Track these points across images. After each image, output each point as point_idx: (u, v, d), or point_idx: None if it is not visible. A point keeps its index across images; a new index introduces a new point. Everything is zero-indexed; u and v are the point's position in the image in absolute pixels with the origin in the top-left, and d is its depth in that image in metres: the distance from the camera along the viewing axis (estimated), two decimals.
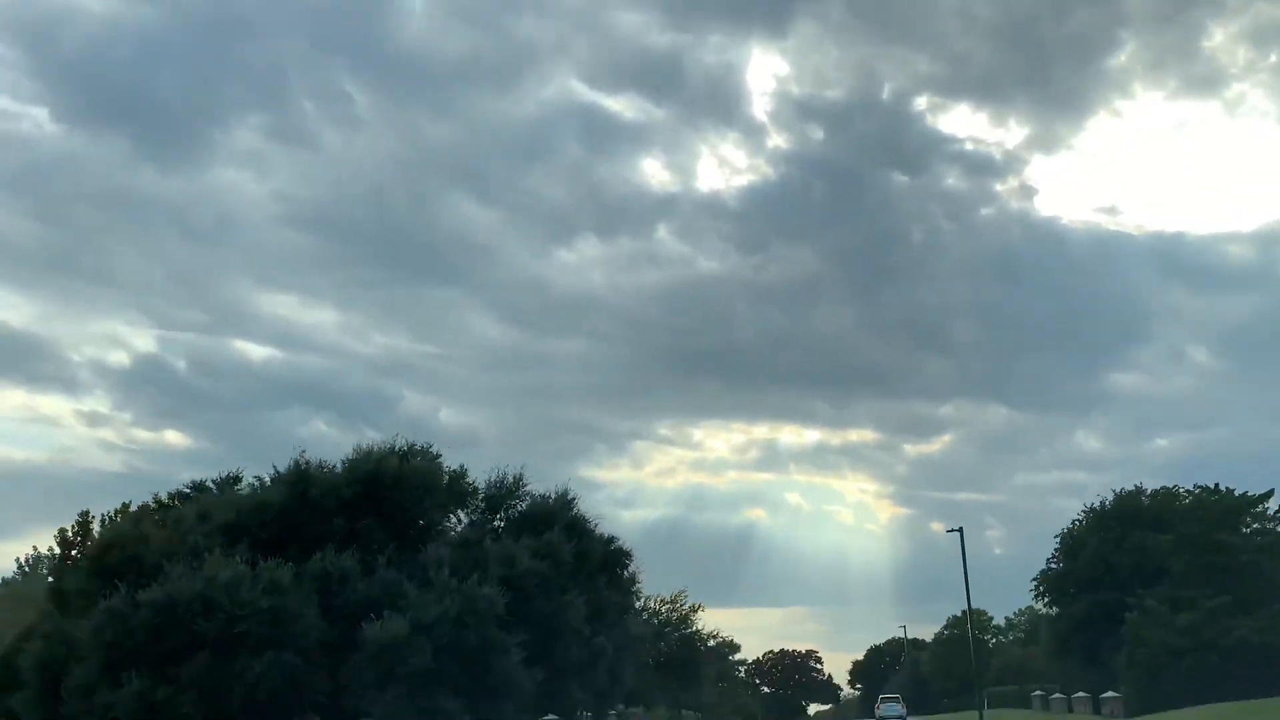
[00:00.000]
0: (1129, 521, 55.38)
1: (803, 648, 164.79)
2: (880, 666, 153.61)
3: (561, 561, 36.59)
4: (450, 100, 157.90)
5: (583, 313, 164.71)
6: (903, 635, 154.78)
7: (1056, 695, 59.45)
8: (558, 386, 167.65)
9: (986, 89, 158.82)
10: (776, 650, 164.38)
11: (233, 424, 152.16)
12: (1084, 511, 59.79)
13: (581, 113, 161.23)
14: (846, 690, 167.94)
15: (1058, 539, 61.81)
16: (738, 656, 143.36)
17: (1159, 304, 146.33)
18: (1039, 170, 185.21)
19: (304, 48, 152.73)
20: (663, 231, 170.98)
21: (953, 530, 51.03)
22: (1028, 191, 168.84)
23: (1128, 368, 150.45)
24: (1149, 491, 58.07)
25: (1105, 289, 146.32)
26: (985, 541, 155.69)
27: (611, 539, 43.81)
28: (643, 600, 60.67)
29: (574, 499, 41.99)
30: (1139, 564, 52.99)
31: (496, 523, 40.58)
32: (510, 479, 40.94)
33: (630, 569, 44.06)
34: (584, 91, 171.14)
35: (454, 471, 38.80)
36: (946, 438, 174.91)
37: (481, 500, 40.17)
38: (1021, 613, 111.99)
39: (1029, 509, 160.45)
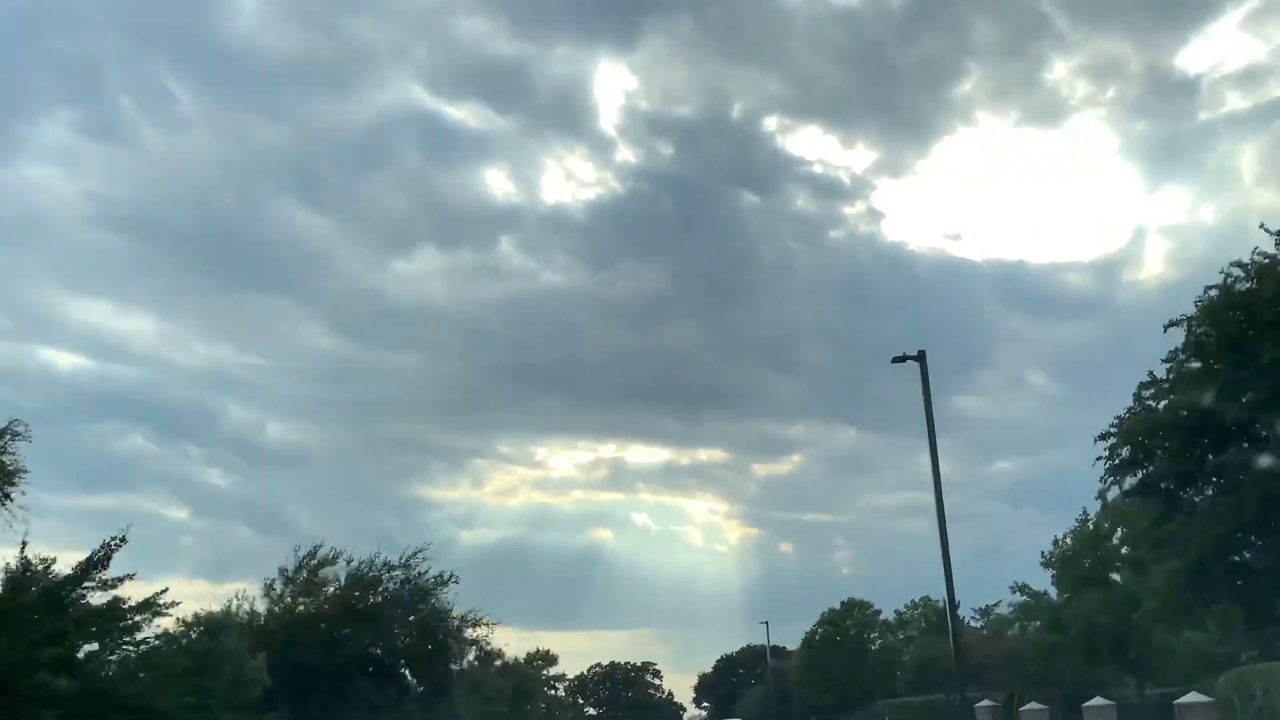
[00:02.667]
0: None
1: (637, 660, 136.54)
2: (732, 680, 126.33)
3: None
4: (281, 102, 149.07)
5: (420, 325, 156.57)
6: (758, 643, 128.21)
7: (1098, 700, 32.38)
8: (393, 401, 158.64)
9: (836, 112, 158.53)
10: (605, 664, 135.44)
11: (39, 437, 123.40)
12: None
13: (422, 120, 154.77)
14: (692, 711, 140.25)
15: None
16: (553, 671, 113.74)
17: (1001, 330, 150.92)
18: (886, 194, 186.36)
19: (120, 40, 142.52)
20: (506, 244, 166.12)
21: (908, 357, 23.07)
22: (875, 216, 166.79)
23: (971, 392, 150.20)
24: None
25: (950, 314, 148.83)
26: (833, 562, 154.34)
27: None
28: None
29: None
30: None
31: None
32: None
33: None
34: (425, 98, 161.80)
35: None
36: (796, 458, 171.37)
37: None
38: (914, 605, 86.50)
39: (876, 529, 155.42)
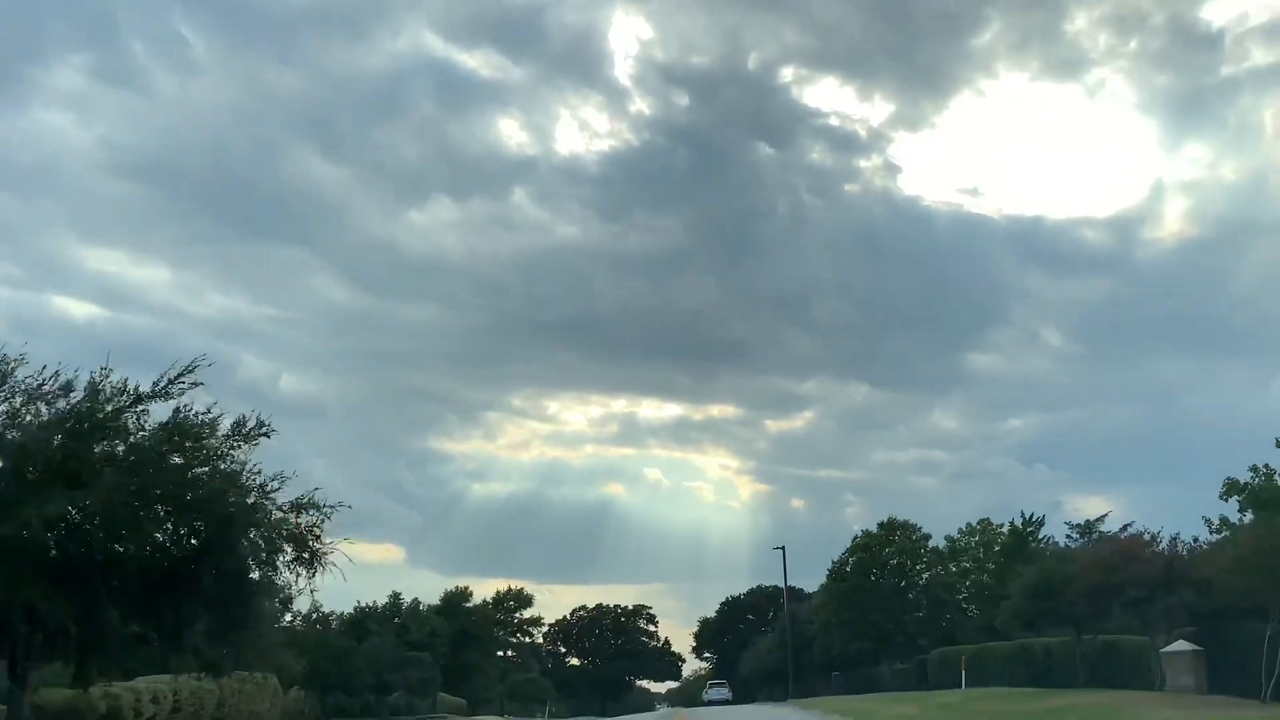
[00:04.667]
0: None
1: (628, 603, 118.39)
2: (740, 626, 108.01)
3: None
4: (296, 49, 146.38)
5: (434, 277, 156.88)
6: (769, 584, 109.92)
7: None
8: (407, 353, 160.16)
9: (854, 63, 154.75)
10: (591, 607, 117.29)
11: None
12: None
13: (436, 68, 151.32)
14: (693, 664, 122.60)
15: None
16: (528, 613, 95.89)
17: (1016, 286, 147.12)
18: (903, 148, 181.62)
19: None
20: (519, 195, 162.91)
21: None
22: (892, 169, 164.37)
23: (985, 348, 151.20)
24: None
25: (966, 270, 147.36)
26: (845, 518, 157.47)
27: None
28: None
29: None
30: None
31: None
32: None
33: None
34: (439, 45, 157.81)
35: None
36: (808, 414, 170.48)
37: None
38: (970, 530, 68.03)
39: (887, 486, 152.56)
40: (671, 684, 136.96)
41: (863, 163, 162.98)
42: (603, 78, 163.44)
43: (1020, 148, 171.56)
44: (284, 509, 27.66)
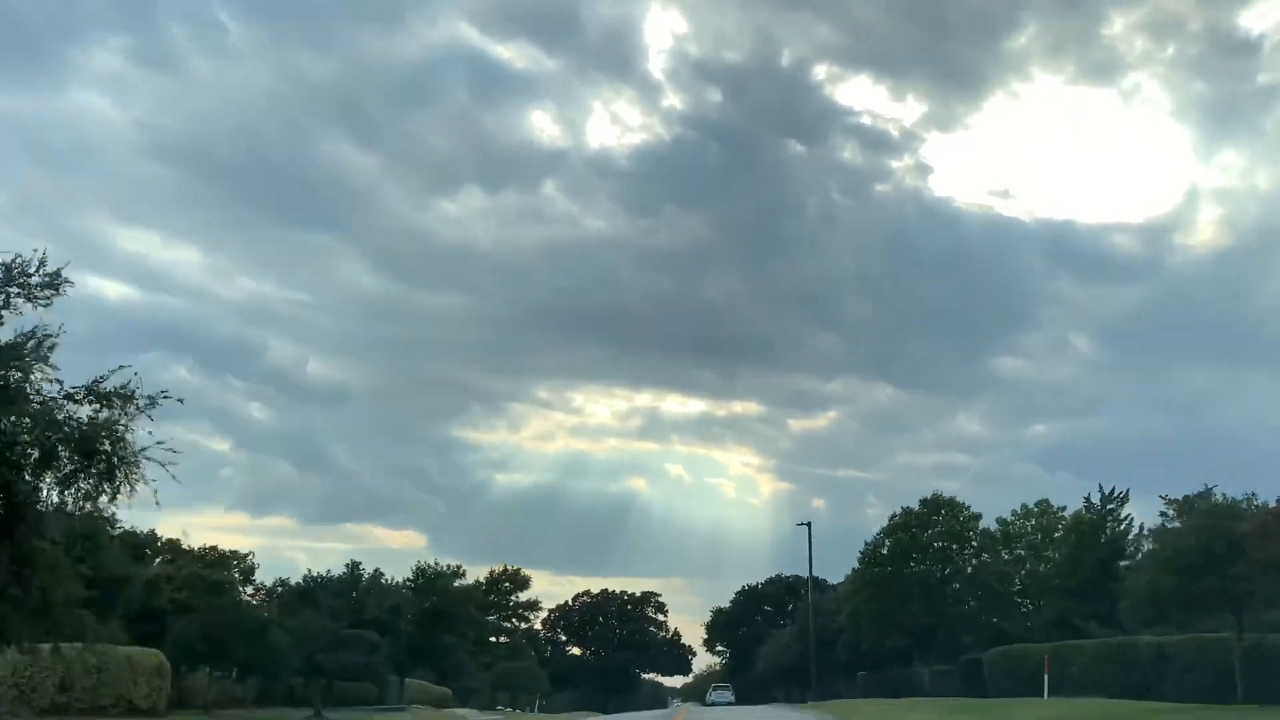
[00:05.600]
0: None
1: (636, 589, 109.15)
2: (756, 618, 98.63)
3: None
4: (330, 35, 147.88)
5: (463, 266, 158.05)
6: (789, 574, 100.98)
7: None
8: (433, 342, 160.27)
9: (887, 62, 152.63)
10: (596, 592, 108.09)
11: (86, 365, 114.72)
12: None
13: (469, 58, 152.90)
14: (705, 658, 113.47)
15: None
16: (522, 596, 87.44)
17: (1045, 291, 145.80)
18: (935, 149, 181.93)
19: None
20: (550, 187, 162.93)
21: None
22: (923, 170, 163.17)
23: (1012, 353, 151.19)
24: None
25: (995, 273, 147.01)
26: (865, 519, 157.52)
27: None
28: None
29: None
30: None
31: None
32: None
33: None
34: (473, 36, 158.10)
35: None
36: (831, 414, 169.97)
37: None
38: (1026, 512, 58.50)
39: (909, 489, 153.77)
40: (683, 679, 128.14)
41: (894, 163, 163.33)
42: (636, 72, 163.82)
43: (1053, 151, 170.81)
44: (64, 397, 18.92)
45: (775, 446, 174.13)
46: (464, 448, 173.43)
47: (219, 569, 50.70)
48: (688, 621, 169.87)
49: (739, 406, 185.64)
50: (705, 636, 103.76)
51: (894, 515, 57.58)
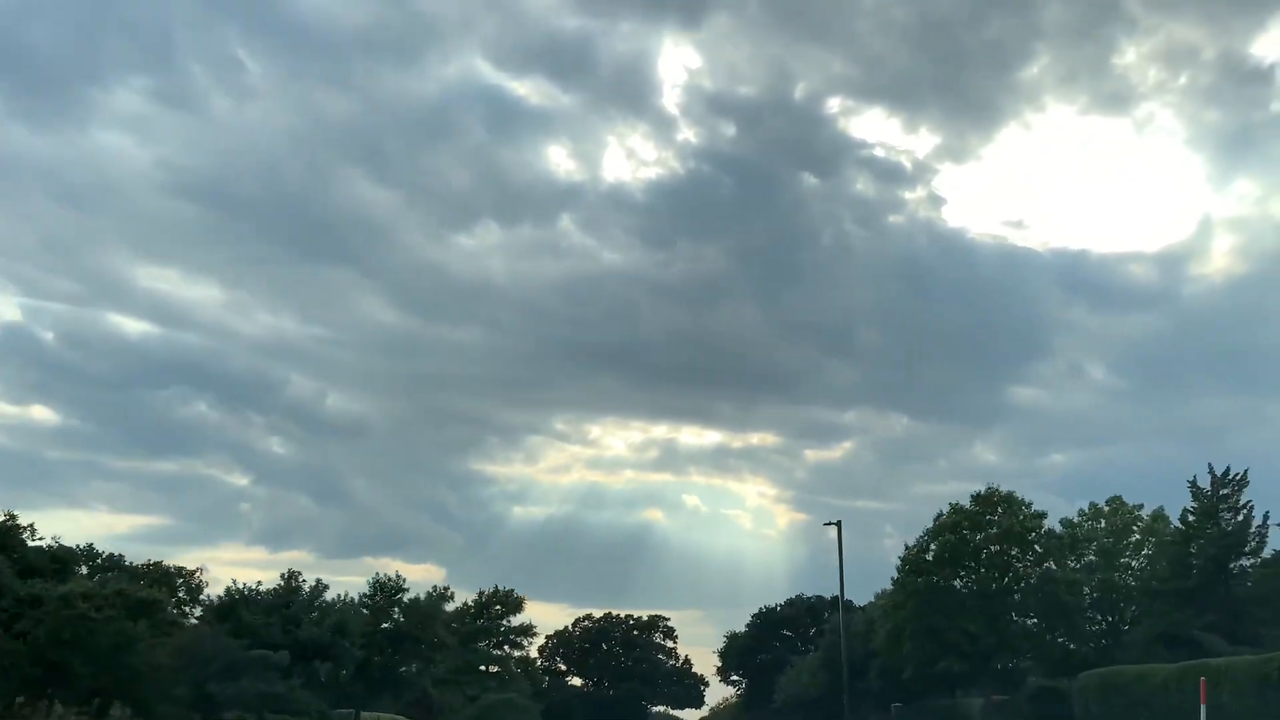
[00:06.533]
0: None
1: (644, 613, 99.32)
2: (775, 644, 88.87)
3: None
4: (349, 73, 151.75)
5: (480, 301, 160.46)
6: (810, 594, 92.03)
7: None
8: (451, 376, 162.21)
9: (900, 94, 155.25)
10: (598, 617, 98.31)
11: (106, 402, 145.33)
12: None
13: (486, 94, 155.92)
14: (719, 689, 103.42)
15: None
16: (516, 620, 78.70)
17: (1060, 320, 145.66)
18: (948, 180, 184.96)
19: (193, 7, 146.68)
20: (566, 221, 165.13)
21: None
22: (936, 201, 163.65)
23: (1027, 382, 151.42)
24: None
25: (1009, 303, 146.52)
26: (883, 550, 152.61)
27: None
28: None
29: None
30: None
31: None
32: None
33: None
34: (489, 72, 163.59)
35: None
36: (847, 444, 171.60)
37: None
38: (1096, 510, 49.20)
39: (926, 518, 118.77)
40: (694, 712, 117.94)
41: (907, 194, 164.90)
42: (651, 106, 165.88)
43: (1067, 181, 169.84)
44: None
45: (791, 477, 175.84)
46: (482, 481, 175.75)
47: (157, 589, 41.82)
48: (704, 653, 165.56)
49: (755, 438, 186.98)
50: (719, 665, 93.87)
51: (940, 514, 48.18)
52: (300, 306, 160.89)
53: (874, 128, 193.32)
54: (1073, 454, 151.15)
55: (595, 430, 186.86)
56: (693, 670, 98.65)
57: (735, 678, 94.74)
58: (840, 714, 75.04)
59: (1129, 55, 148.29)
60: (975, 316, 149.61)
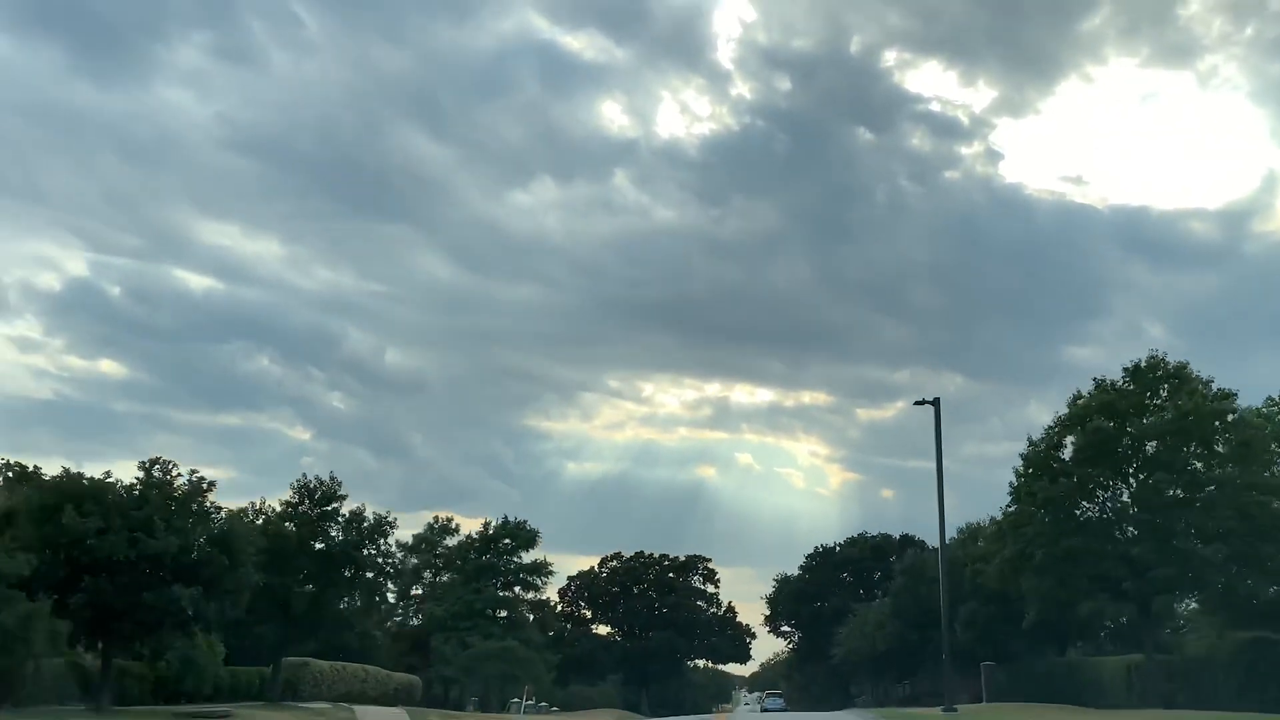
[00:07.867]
0: None
1: (680, 554, 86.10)
2: (834, 591, 75.45)
3: None
4: (405, 29, 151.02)
5: (535, 257, 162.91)
6: (873, 532, 79.39)
7: None
8: (507, 332, 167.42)
9: (957, 47, 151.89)
10: (628, 556, 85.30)
11: (172, 356, 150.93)
12: None
13: (540, 49, 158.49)
14: (766, 641, 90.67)
15: None
16: (528, 557, 67.57)
17: (1119, 278, 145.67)
18: (1006, 134, 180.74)
19: None
20: (620, 178, 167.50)
21: None
22: (993, 156, 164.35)
23: (1084, 341, 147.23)
24: None
25: (1066, 260, 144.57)
26: (934, 508, 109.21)
27: None
28: None
29: None
30: None
31: None
32: None
33: None
34: (544, 27, 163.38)
35: None
36: (900, 404, 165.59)
37: None
38: None
39: (978, 479, 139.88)
40: (740, 667, 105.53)
41: (964, 149, 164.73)
42: (705, 61, 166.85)
43: (1127, 136, 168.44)
44: None
45: (844, 436, 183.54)
46: (537, 436, 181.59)
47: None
48: (756, 610, 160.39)
49: (807, 396, 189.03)
50: (766, 614, 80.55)
51: (1077, 396, 33.69)
52: (357, 262, 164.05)
53: (930, 81, 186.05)
54: None
55: (648, 388, 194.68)
56: (737, 619, 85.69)
57: (786, 629, 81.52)
58: (915, 670, 61.50)
59: (1193, 6, 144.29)
60: (1032, 274, 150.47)
